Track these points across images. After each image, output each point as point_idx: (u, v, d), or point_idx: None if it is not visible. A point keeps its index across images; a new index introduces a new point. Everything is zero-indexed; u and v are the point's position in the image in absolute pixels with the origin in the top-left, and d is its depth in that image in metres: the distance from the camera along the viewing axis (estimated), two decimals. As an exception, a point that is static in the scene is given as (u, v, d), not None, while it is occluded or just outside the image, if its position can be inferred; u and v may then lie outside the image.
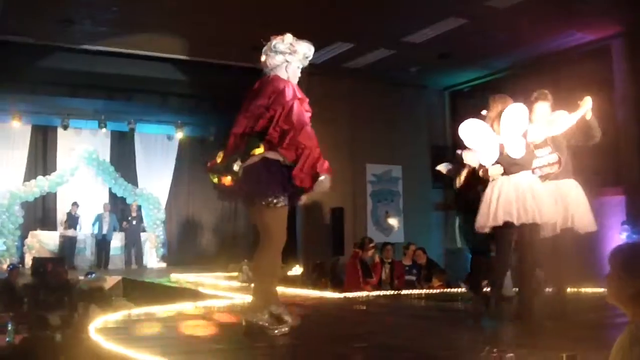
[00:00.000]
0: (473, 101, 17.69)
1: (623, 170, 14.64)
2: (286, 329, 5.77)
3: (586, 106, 7.14)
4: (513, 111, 6.84)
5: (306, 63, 6.30)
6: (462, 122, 7.19)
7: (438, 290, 11.24)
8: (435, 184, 19.19)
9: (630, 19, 13.95)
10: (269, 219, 5.73)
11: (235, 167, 5.65)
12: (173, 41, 15.24)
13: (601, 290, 9.92)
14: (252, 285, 5.96)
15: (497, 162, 6.88)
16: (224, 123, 20.97)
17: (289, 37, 6.19)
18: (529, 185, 6.81)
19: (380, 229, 18.75)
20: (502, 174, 6.88)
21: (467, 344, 5.71)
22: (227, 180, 5.72)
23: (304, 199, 6.03)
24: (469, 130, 7.00)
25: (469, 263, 9.05)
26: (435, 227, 18.80)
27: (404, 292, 11.22)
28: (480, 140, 6.95)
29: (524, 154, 6.86)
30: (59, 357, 7.81)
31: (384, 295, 10.94)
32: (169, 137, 22.35)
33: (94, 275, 15.24)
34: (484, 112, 7.15)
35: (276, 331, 5.72)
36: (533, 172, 6.99)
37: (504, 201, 6.73)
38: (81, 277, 14.38)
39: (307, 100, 5.99)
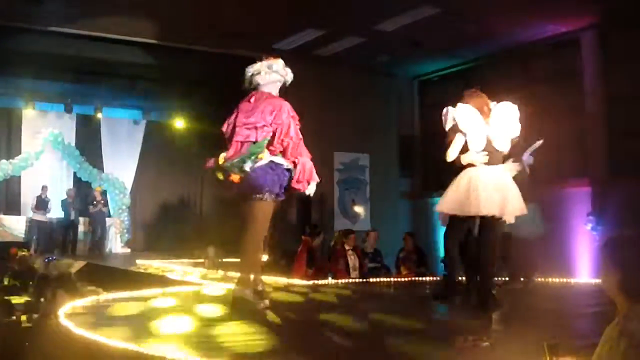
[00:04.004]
0: (442, 90, 17.74)
1: (589, 162, 14.75)
2: (267, 302, 6.92)
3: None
4: (508, 108, 7.09)
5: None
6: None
7: (407, 279, 11.27)
8: (402, 173, 19.28)
9: (601, 10, 14.01)
10: (256, 210, 6.85)
11: (247, 167, 6.74)
12: (142, 25, 15.07)
13: (567, 280, 10.06)
14: (239, 265, 7.12)
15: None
16: (191, 108, 21.03)
17: (281, 62, 7.36)
18: (505, 179, 7.00)
19: (346, 216, 18.77)
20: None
21: (442, 332, 5.71)
22: (236, 177, 6.78)
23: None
24: (465, 114, 7.11)
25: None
26: (402, 216, 18.87)
27: (373, 279, 11.26)
28: (472, 126, 7.08)
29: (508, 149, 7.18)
30: (25, 343, 7.72)
31: (353, 283, 10.97)
32: (136, 122, 22.20)
33: (53, 259, 15.11)
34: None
35: (261, 305, 6.78)
36: None
37: (485, 193, 6.85)
38: (35, 263, 14.26)
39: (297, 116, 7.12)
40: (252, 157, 6.78)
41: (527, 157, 8.87)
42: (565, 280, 10.30)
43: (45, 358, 5.78)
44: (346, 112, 18.24)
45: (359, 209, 19.00)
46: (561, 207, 14.36)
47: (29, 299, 10.96)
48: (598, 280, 2.99)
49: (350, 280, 11.34)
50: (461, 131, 7.10)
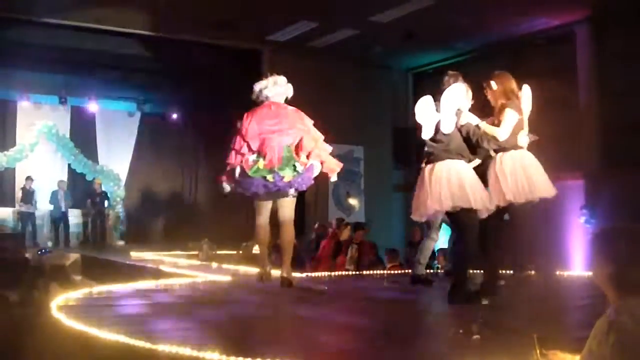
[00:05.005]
0: (436, 83, 17.69)
1: (583, 155, 14.76)
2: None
3: None
4: (528, 90, 7.05)
5: None
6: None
7: (400, 271, 11.25)
8: (396, 166, 19.28)
9: (595, 3, 14.02)
10: (293, 206, 8.43)
11: (299, 169, 7.92)
12: (137, 16, 15.06)
13: (561, 272, 10.05)
14: (286, 254, 8.50)
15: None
16: (185, 100, 21.00)
17: (284, 78, 8.44)
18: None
19: (341, 208, 18.78)
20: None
21: (434, 325, 5.72)
22: (289, 177, 7.86)
23: None
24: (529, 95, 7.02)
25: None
26: (396, 208, 18.87)
27: (366, 272, 11.26)
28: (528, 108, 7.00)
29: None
30: (18, 335, 7.72)
31: (347, 275, 10.98)
32: (130, 114, 22.12)
33: (46, 252, 15.07)
34: (494, 86, 7.13)
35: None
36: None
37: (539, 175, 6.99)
38: (27, 255, 14.22)
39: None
40: (293, 161, 7.91)
41: None
42: (558, 272, 10.30)
43: (37, 351, 5.78)
44: (340, 104, 18.22)
45: (353, 202, 19.01)
46: (555, 200, 14.35)
47: (21, 291, 10.96)
48: (590, 273, 2.97)
49: (344, 273, 11.33)
50: (521, 110, 6.96)
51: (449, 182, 6.60)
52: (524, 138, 6.96)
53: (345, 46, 16.87)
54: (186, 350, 4.13)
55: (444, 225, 8.78)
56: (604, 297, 2.85)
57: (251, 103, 8.50)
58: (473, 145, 6.78)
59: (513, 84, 7.09)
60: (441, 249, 12.33)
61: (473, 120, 6.78)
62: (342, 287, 9.40)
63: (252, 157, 7.99)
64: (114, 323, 5.30)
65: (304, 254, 14.84)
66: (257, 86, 8.36)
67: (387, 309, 6.98)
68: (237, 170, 8.11)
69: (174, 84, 19.53)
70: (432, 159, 6.84)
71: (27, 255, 14.08)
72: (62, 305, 6.11)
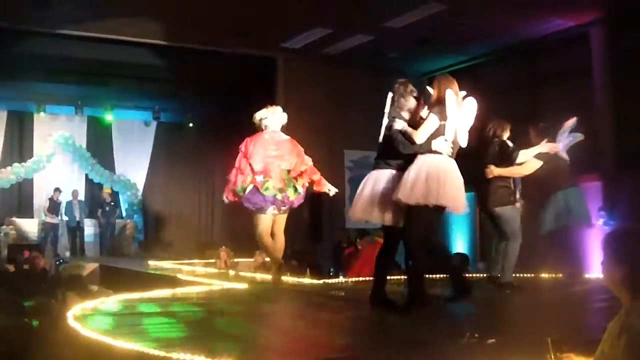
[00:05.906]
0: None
1: (600, 156, 14.66)
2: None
3: None
4: (474, 104, 6.80)
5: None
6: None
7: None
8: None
9: (609, 4, 13.96)
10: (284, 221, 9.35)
11: (300, 190, 9.16)
12: (151, 26, 15.10)
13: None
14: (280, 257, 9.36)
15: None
16: (201, 109, 21.05)
17: (280, 108, 9.58)
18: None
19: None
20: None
21: (448, 329, 5.70)
22: (292, 196, 9.07)
23: None
24: (454, 100, 6.75)
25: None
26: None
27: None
28: (454, 114, 6.73)
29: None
30: (36, 345, 7.75)
31: (362, 281, 10.96)
32: (146, 123, 22.25)
33: (65, 262, 15.13)
34: (430, 90, 7.00)
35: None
36: None
37: (453, 186, 6.61)
38: (46, 265, 14.26)
39: None
40: (293, 182, 9.04)
41: (565, 141, 8.98)
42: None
43: (54, 360, 5.80)
44: (355, 110, 18.20)
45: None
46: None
47: (40, 301, 10.99)
48: (602, 275, 2.94)
49: (360, 279, 11.31)
50: (444, 115, 6.75)
51: (368, 195, 6.95)
52: (441, 144, 6.66)
53: (359, 52, 16.85)
54: (200, 359, 4.14)
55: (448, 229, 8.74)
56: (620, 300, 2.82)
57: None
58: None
59: (457, 92, 6.82)
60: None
61: (399, 126, 6.84)
62: (359, 293, 9.39)
63: (259, 178, 8.96)
64: (130, 332, 5.31)
65: (322, 261, 14.85)
66: (258, 115, 9.35)
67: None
68: (249, 189, 9.03)
69: (189, 93, 19.58)
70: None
71: (45, 265, 14.13)
72: (78, 315, 6.12)
